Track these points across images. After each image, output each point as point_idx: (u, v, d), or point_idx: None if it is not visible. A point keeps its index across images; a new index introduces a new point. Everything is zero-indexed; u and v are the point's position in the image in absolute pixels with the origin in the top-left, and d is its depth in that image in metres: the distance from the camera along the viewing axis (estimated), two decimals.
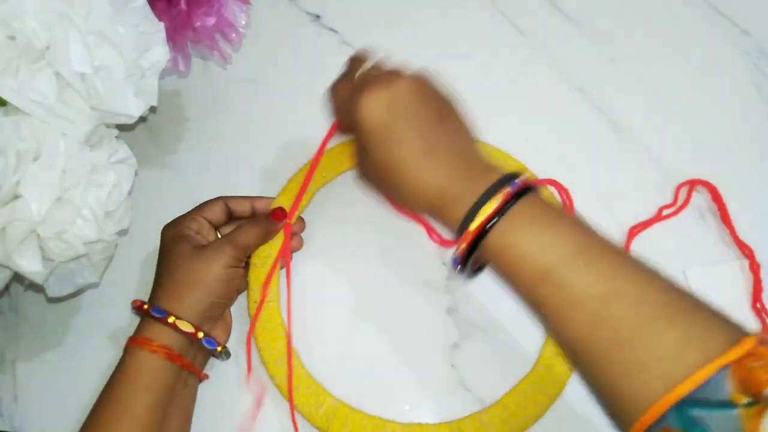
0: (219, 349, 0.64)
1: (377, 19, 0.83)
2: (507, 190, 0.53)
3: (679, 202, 0.70)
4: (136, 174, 0.67)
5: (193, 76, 0.80)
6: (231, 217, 0.69)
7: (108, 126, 0.64)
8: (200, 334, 0.62)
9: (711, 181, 0.71)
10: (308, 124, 0.76)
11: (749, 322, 0.66)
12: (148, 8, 0.63)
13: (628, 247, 0.68)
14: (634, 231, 0.69)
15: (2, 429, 0.67)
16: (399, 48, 0.80)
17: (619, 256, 0.51)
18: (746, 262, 0.68)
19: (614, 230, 0.70)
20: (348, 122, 0.60)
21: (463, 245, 0.54)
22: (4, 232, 0.57)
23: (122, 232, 0.67)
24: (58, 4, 0.56)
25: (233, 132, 0.78)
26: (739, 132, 0.74)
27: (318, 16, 0.84)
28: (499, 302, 0.68)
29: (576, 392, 0.63)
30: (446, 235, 0.71)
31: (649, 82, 0.77)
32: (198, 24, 0.72)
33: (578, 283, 0.50)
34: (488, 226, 0.52)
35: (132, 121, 0.62)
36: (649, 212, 0.70)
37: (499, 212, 0.52)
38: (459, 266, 0.56)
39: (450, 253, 0.62)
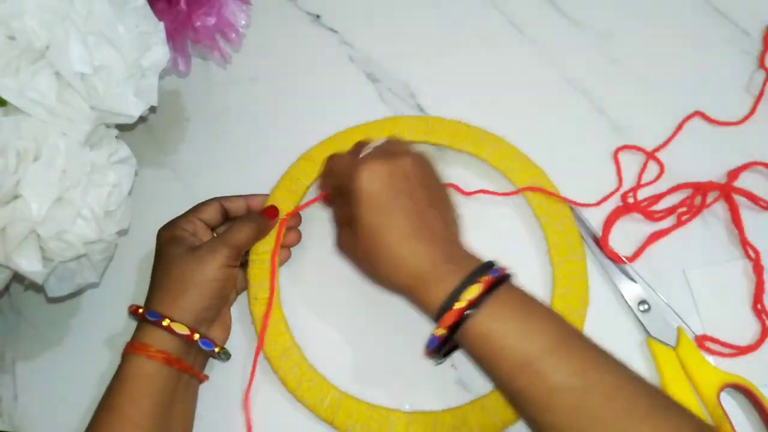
0: (216, 350, 0.64)
1: (377, 19, 0.83)
2: (487, 277, 0.54)
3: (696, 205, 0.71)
4: (136, 174, 0.66)
5: (193, 76, 0.80)
6: (227, 217, 0.69)
7: (108, 126, 0.64)
8: (196, 336, 0.61)
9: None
10: (308, 123, 0.77)
11: (749, 323, 0.66)
12: (148, 8, 0.63)
13: (644, 250, 0.68)
14: (653, 237, 0.69)
15: (2, 429, 0.67)
16: (398, 48, 0.81)
17: (593, 348, 0.53)
18: (748, 263, 0.67)
19: (627, 234, 0.70)
20: (339, 190, 0.63)
21: (442, 329, 0.55)
22: (4, 232, 0.57)
23: (122, 232, 0.67)
24: (58, 4, 0.56)
25: (233, 132, 0.78)
26: (739, 131, 0.74)
27: (318, 16, 0.84)
28: None
29: None
30: None
31: (650, 82, 0.77)
32: (198, 24, 0.71)
33: (557, 374, 0.51)
34: (469, 311, 0.53)
35: (132, 121, 0.62)
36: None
37: (481, 298, 0.54)
38: (435, 349, 0.56)
39: None
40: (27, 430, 0.67)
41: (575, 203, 0.70)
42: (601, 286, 0.68)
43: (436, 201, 0.60)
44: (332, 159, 0.65)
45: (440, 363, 0.61)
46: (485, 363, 0.54)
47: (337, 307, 0.69)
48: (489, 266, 0.56)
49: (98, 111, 0.59)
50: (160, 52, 0.64)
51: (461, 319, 0.53)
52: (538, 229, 0.70)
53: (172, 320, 0.60)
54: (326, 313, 0.69)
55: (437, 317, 0.55)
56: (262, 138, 0.78)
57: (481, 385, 0.65)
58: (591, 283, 0.67)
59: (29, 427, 0.68)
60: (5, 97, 0.55)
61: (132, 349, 0.60)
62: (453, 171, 0.72)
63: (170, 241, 0.65)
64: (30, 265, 0.58)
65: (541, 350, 0.52)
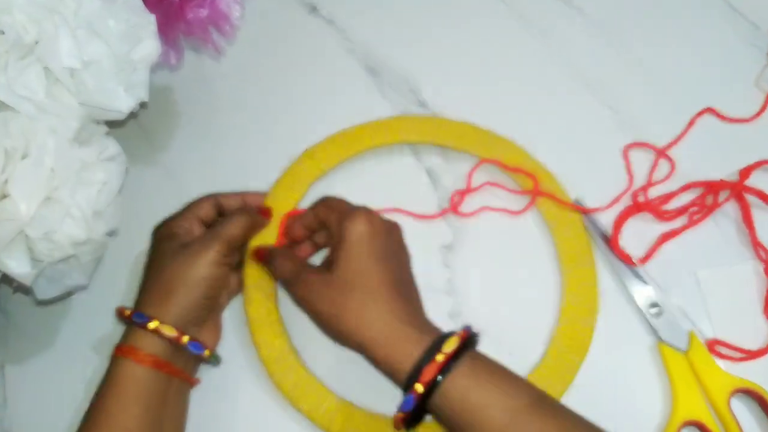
0: (206, 353, 0.62)
1: (374, 9, 0.83)
2: (462, 332, 0.56)
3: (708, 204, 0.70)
4: (126, 172, 0.66)
5: (185, 69, 0.79)
6: (222, 214, 0.68)
7: (97, 122, 0.63)
8: (184, 339, 0.60)
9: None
10: (305, 119, 0.77)
11: (760, 326, 0.65)
12: (138, 0, 0.63)
13: (655, 251, 0.68)
14: (664, 237, 0.68)
15: None
16: (398, 40, 0.80)
17: (562, 408, 0.55)
18: (759, 264, 0.67)
19: (638, 234, 0.69)
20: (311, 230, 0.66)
21: (421, 385, 0.54)
22: None
23: (112, 232, 0.66)
24: None
25: (227, 127, 0.77)
26: (750, 128, 0.73)
27: (314, 7, 0.83)
28: (501, 306, 0.67)
29: (577, 394, 0.63)
30: None
31: (659, 78, 0.76)
32: (191, 16, 0.71)
33: (543, 430, 0.52)
34: (450, 364, 0.54)
35: (122, 116, 0.61)
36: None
37: (459, 352, 0.54)
38: (411, 411, 0.55)
39: None
40: None
41: (585, 210, 0.69)
42: (611, 288, 0.67)
43: (407, 264, 0.63)
44: (330, 199, 0.65)
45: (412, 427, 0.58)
46: (463, 424, 0.54)
47: None
48: (452, 333, 0.57)
49: (87, 107, 0.59)
50: (150, 45, 0.63)
51: (436, 381, 0.53)
52: (547, 235, 0.70)
53: (161, 322, 0.59)
54: None
55: (410, 375, 0.54)
56: (256, 133, 0.77)
57: None
58: (601, 286, 0.67)
59: (18, 430, 0.67)
60: None
61: (120, 352, 0.59)
62: (460, 171, 0.72)
63: (163, 239, 0.64)
64: (18, 266, 0.58)
65: (526, 405, 0.53)
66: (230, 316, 0.68)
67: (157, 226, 0.66)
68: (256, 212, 0.67)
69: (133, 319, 0.59)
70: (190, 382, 0.63)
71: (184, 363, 0.62)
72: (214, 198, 0.67)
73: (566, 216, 0.69)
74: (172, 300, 0.60)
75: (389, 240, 0.61)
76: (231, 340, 0.67)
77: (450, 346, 0.54)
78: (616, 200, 0.70)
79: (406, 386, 0.55)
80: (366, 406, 0.64)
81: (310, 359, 0.66)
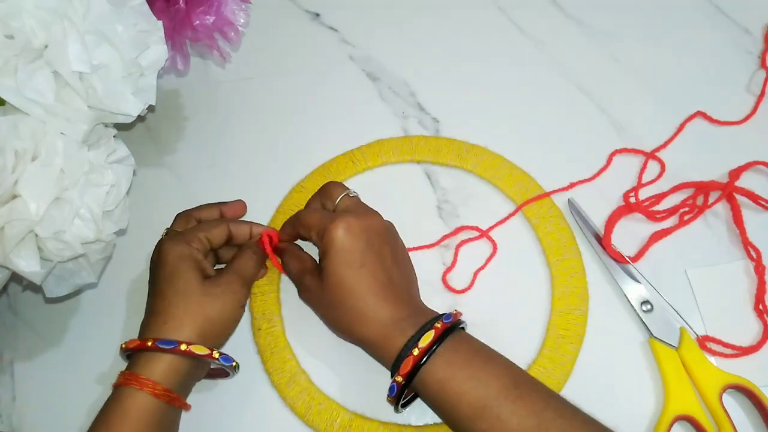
0: (234, 363, 0.62)
1: (376, 17, 0.83)
2: (440, 324, 0.58)
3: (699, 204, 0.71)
4: (134, 173, 0.66)
5: (192, 75, 0.80)
6: (230, 241, 0.68)
7: (106, 125, 0.63)
8: (215, 354, 0.60)
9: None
10: (308, 122, 0.77)
11: (751, 323, 0.66)
12: (146, 7, 0.63)
13: (646, 250, 0.69)
14: (655, 237, 0.69)
15: (1, 430, 0.67)
16: (398, 46, 0.81)
17: (544, 389, 0.57)
18: (749, 263, 0.67)
19: (630, 233, 0.70)
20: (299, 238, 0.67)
21: (400, 376, 0.57)
22: (3, 232, 0.56)
23: (120, 232, 0.66)
24: (56, 2, 0.56)
25: (232, 131, 0.78)
26: (741, 131, 0.74)
27: (317, 15, 0.84)
28: (499, 303, 0.68)
29: (570, 390, 0.64)
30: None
31: (652, 81, 0.77)
32: (197, 23, 0.71)
33: (514, 416, 0.54)
34: (425, 358, 0.56)
35: (130, 120, 0.62)
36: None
37: (435, 345, 0.56)
38: (395, 396, 0.58)
39: None
40: (25, 431, 0.67)
41: (548, 193, 0.72)
42: (603, 286, 0.68)
43: (398, 259, 0.64)
44: (302, 217, 0.65)
45: (401, 412, 0.62)
46: (443, 409, 0.57)
47: None
48: (444, 316, 0.59)
49: (96, 110, 0.59)
50: (158, 51, 0.63)
51: (417, 367, 0.56)
52: (531, 233, 0.71)
53: (188, 343, 0.59)
54: (331, 337, 0.67)
55: (393, 366, 0.58)
56: (261, 137, 0.77)
57: None
58: (594, 284, 0.68)
59: (28, 427, 0.67)
60: (3, 96, 0.55)
61: (127, 381, 0.58)
62: (446, 185, 0.74)
63: (182, 261, 0.63)
64: (28, 265, 0.58)
65: (497, 394, 0.55)
66: (241, 344, 0.68)
67: (168, 240, 0.64)
68: (259, 247, 0.67)
69: (158, 345, 0.58)
70: (186, 408, 0.62)
71: (186, 387, 0.62)
72: (226, 224, 0.67)
73: (546, 211, 0.71)
74: (193, 328, 0.60)
75: (370, 242, 0.61)
76: (244, 368, 0.65)
77: (425, 340, 0.56)
78: (574, 184, 0.72)
79: (392, 375, 0.58)
80: (378, 417, 0.64)
81: (320, 379, 0.66)
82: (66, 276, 0.63)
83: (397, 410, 0.60)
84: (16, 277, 0.65)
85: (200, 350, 0.59)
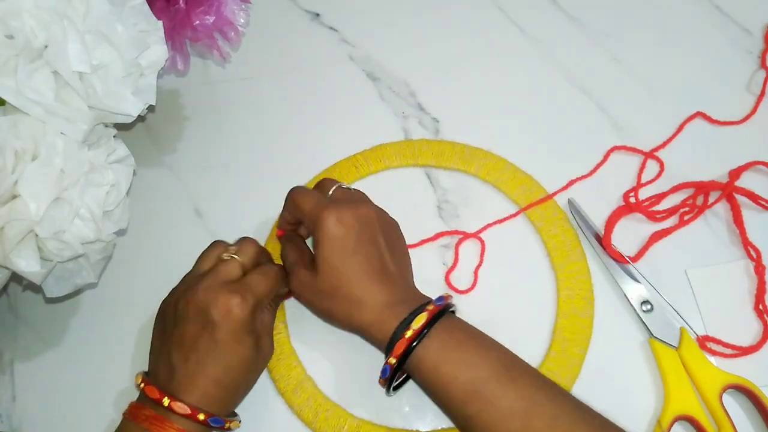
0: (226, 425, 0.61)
1: (376, 17, 0.83)
2: (432, 307, 0.58)
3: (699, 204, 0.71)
4: (134, 174, 0.66)
5: (191, 75, 0.80)
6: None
7: (106, 125, 0.63)
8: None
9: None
10: (308, 122, 0.77)
11: (751, 323, 0.66)
12: (146, 7, 0.63)
13: (647, 250, 0.69)
14: (655, 236, 0.69)
15: (1, 430, 0.67)
16: (398, 46, 0.81)
17: (534, 373, 0.57)
18: (749, 263, 0.68)
19: (630, 233, 0.70)
20: (296, 227, 0.68)
21: (393, 358, 0.57)
22: (2, 232, 0.56)
23: (120, 232, 0.66)
24: (56, 2, 0.56)
25: (232, 130, 0.78)
26: (741, 131, 0.74)
27: (317, 15, 0.84)
28: (504, 305, 0.68)
29: (573, 392, 0.63)
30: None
31: (652, 81, 0.77)
32: (197, 23, 0.71)
33: (504, 399, 0.54)
34: (417, 340, 0.56)
35: (130, 120, 0.62)
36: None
37: (427, 327, 0.57)
38: (387, 378, 0.59)
39: None
40: (25, 431, 0.67)
41: (550, 196, 0.72)
42: (604, 286, 0.68)
43: (393, 247, 0.64)
44: (296, 197, 0.64)
45: (392, 395, 0.62)
46: (435, 391, 0.57)
47: (346, 335, 0.67)
48: (436, 299, 0.60)
49: (96, 110, 0.59)
50: (158, 51, 0.63)
51: (410, 349, 0.56)
52: (535, 235, 0.71)
53: (231, 420, 0.60)
54: (336, 343, 0.68)
55: (387, 348, 0.58)
56: (261, 136, 0.77)
57: None
58: (594, 284, 0.68)
59: (28, 427, 0.67)
60: (3, 96, 0.55)
61: (151, 424, 0.57)
62: (447, 186, 0.74)
63: (245, 330, 0.60)
64: (28, 265, 0.58)
65: (489, 377, 0.55)
66: None
67: (240, 305, 0.60)
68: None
69: (209, 422, 0.57)
70: None
71: None
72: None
73: (550, 213, 0.71)
74: (233, 396, 0.61)
75: (362, 229, 0.61)
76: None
77: (418, 322, 0.57)
78: (573, 182, 0.72)
79: (386, 357, 0.58)
80: (386, 423, 0.64)
81: (327, 386, 0.66)
82: (66, 276, 0.63)
83: (388, 392, 0.61)
84: (16, 277, 0.65)
85: (235, 426, 0.61)
